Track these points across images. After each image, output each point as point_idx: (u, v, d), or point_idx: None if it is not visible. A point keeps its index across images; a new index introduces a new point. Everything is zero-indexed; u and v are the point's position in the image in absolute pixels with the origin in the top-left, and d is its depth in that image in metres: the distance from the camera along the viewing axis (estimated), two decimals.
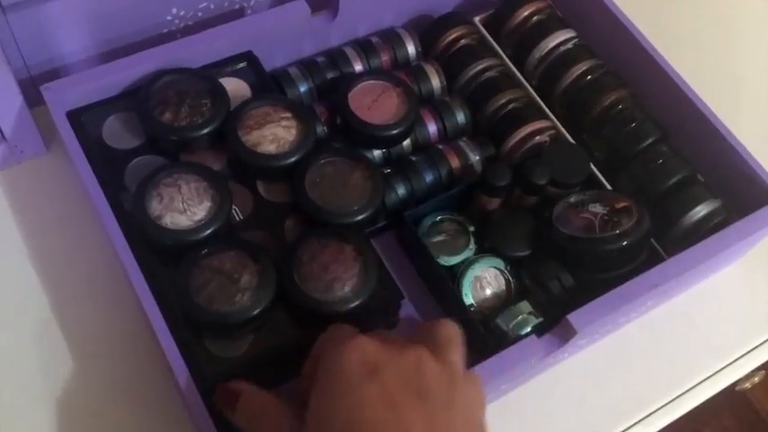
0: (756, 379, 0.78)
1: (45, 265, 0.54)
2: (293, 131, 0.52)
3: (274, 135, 0.52)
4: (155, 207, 0.47)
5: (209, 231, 0.46)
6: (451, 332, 0.41)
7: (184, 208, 0.47)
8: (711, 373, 0.58)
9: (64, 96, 0.51)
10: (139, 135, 0.52)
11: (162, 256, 0.47)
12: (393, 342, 0.39)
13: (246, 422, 0.40)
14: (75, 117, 0.51)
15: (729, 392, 1.22)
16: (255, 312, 0.45)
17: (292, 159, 0.51)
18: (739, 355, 0.59)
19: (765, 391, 1.44)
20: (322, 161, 0.52)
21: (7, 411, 0.49)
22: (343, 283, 0.47)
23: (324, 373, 0.37)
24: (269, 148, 0.51)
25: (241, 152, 0.50)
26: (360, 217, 0.50)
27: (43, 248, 0.55)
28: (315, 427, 0.36)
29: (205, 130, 0.50)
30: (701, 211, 0.55)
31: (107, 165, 0.50)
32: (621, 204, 0.53)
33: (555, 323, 0.48)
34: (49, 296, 0.53)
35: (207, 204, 0.48)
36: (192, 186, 0.48)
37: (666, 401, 0.57)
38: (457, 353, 0.40)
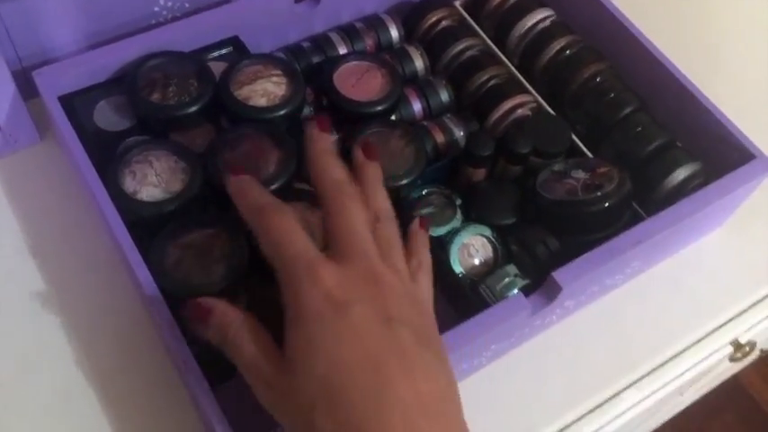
0: (752, 357, 0.79)
1: (44, 251, 0.55)
2: (283, 87, 0.54)
3: (264, 89, 0.54)
4: (129, 183, 0.48)
5: (185, 200, 0.47)
6: (389, 230, 0.42)
7: (158, 181, 0.48)
8: (702, 335, 0.59)
9: (56, 81, 0.52)
10: (130, 117, 0.54)
11: (148, 233, 0.47)
12: (347, 262, 0.38)
13: (222, 338, 0.39)
14: (67, 102, 0.53)
15: (730, 388, 1.23)
16: (231, 281, 0.45)
17: (282, 112, 0.52)
18: (727, 319, 0.60)
19: (764, 382, 1.45)
20: (367, 131, 0.54)
21: (5, 395, 0.50)
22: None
23: (292, 311, 0.37)
24: (260, 101, 0.53)
25: (232, 105, 0.52)
26: (406, 180, 0.52)
27: (41, 235, 0.56)
28: (296, 364, 0.36)
29: (193, 108, 0.51)
30: (680, 173, 0.56)
31: (99, 147, 0.52)
32: (603, 169, 0.54)
33: (540, 283, 0.49)
34: (48, 283, 0.54)
35: (180, 177, 0.49)
36: (164, 161, 0.49)
37: (658, 364, 0.58)
38: (399, 253, 0.41)
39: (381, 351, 0.35)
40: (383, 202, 0.43)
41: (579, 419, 0.55)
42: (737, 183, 0.54)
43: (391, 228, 0.42)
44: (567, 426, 0.55)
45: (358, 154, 0.45)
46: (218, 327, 0.39)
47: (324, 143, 0.43)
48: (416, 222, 0.46)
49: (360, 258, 0.38)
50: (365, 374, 0.35)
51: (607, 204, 0.52)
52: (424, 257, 0.44)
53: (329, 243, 0.40)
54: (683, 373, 0.59)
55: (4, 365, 0.51)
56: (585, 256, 0.49)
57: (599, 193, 0.52)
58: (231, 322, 0.38)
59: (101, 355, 0.51)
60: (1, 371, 0.50)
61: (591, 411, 0.56)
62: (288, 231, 0.39)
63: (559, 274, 0.48)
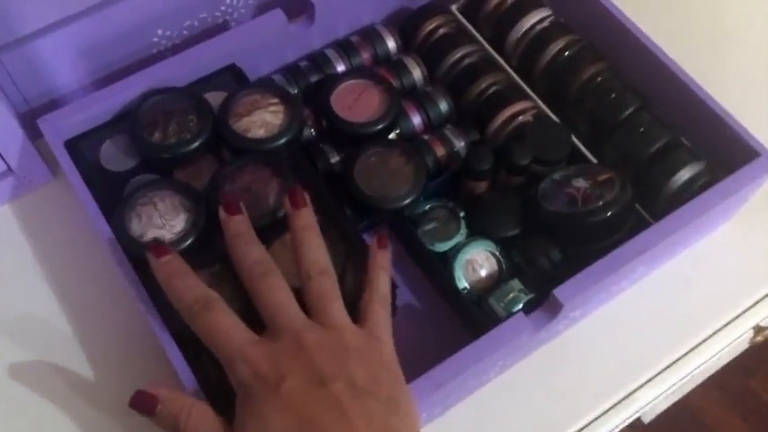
0: None
1: (62, 288, 0.57)
2: (280, 116, 0.55)
3: (262, 120, 0.54)
4: (135, 227, 0.49)
5: (190, 241, 0.49)
6: (322, 287, 0.43)
7: (163, 223, 0.49)
8: (712, 331, 0.59)
9: (60, 127, 0.54)
10: (135, 156, 0.55)
11: None
12: (276, 338, 0.40)
13: (173, 427, 0.40)
14: (72, 145, 0.54)
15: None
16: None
17: (280, 142, 0.53)
18: (739, 312, 0.60)
19: None
20: (366, 153, 0.55)
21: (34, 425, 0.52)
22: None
23: (237, 394, 0.40)
24: (258, 132, 0.54)
25: (231, 138, 0.53)
26: (408, 200, 0.54)
27: (59, 272, 0.58)
28: None
29: (194, 145, 0.52)
30: (684, 174, 0.55)
31: (107, 188, 0.53)
32: (604, 176, 0.54)
33: (544, 299, 0.50)
34: (68, 321, 0.56)
35: (183, 216, 0.50)
36: (168, 201, 0.50)
37: (670, 362, 0.58)
38: (332, 306, 0.42)
39: (317, 414, 0.37)
40: (316, 256, 0.44)
41: (594, 421, 0.56)
42: (742, 182, 0.53)
43: (324, 282, 0.43)
44: (582, 429, 0.56)
45: (286, 206, 0.45)
46: (168, 417, 0.40)
47: (234, 227, 0.45)
48: (374, 242, 0.47)
49: (286, 331, 0.40)
50: None
51: (609, 214, 0.52)
52: (380, 287, 0.45)
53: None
54: (695, 369, 0.59)
55: (25, 401, 0.53)
56: (586, 270, 0.49)
57: (600, 203, 0.52)
58: (180, 411, 0.40)
59: (116, 384, 0.53)
60: (22, 406, 0.53)
61: (605, 413, 0.57)
62: (220, 326, 0.41)
63: (560, 292, 0.48)
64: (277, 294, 0.42)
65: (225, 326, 0.41)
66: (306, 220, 0.45)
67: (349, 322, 0.42)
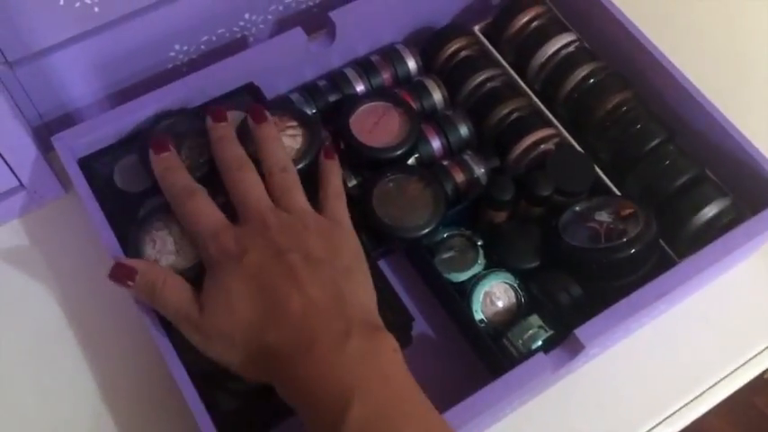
0: None
1: (71, 304, 0.56)
2: (299, 139, 0.53)
3: None
4: (149, 253, 0.48)
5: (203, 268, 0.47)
6: (284, 181, 0.48)
7: (177, 249, 0.48)
8: (731, 370, 0.58)
9: (74, 145, 0.53)
10: (149, 177, 0.54)
11: None
12: (245, 223, 0.45)
13: (148, 295, 0.45)
14: (86, 164, 0.53)
15: None
16: None
17: (299, 167, 0.52)
18: (759, 351, 0.59)
19: None
20: (384, 179, 0.55)
21: None
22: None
23: (207, 270, 0.45)
24: None
25: None
26: (426, 230, 0.54)
27: (69, 288, 0.57)
28: (211, 307, 0.43)
29: (206, 169, 0.51)
30: (710, 211, 0.54)
31: (121, 208, 0.52)
32: (627, 211, 0.53)
33: (564, 337, 0.48)
34: (75, 338, 0.55)
35: None
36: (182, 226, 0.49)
37: (689, 400, 0.57)
38: (295, 195, 0.47)
39: (273, 279, 0.43)
40: (276, 156, 0.49)
41: None
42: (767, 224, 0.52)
43: (286, 176, 0.48)
44: None
45: (248, 121, 0.50)
46: (145, 285, 0.45)
47: (219, 131, 0.49)
48: (321, 153, 0.52)
49: (254, 216, 0.45)
50: (263, 302, 0.42)
51: (632, 251, 0.51)
52: (333, 184, 0.50)
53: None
54: (711, 408, 0.58)
55: (32, 418, 0.52)
56: (609, 310, 0.48)
57: (624, 240, 0.51)
58: (156, 279, 0.45)
59: (123, 407, 0.53)
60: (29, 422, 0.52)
61: None
62: (198, 210, 0.46)
63: (582, 332, 0.47)
64: (249, 184, 0.47)
65: (203, 210, 0.46)
66: (269, 131, 0.49)
67: (311, 209, 0.47)
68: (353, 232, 0.48)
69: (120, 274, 0.45)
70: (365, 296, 0.45)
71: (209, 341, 0.43)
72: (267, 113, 0.50)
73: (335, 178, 0.51)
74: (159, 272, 0.45)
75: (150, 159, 0.48)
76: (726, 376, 0.58)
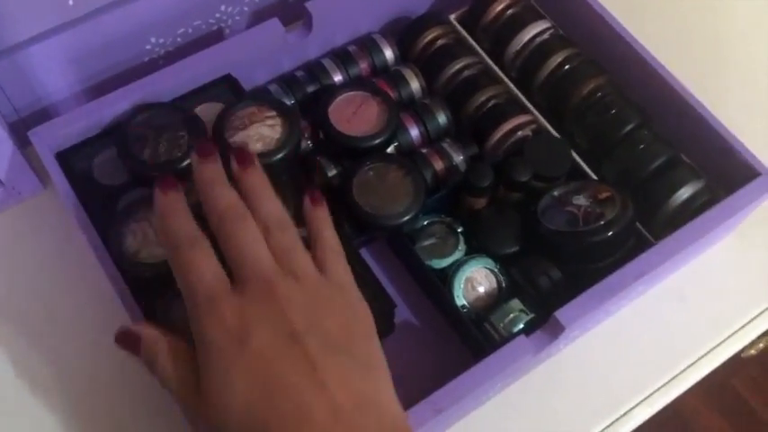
0: (762, 345, 0.79)
1: (51, 300, 0.56)
2: (278, 129, 0.53)
3: (260, 134, 0.53)
4: (130, 243, 0.48)
5: None
6: (282, 239, 0.40)
7: (158, 240, 0.48)
8: (709, 348, 0.59)
9: (51, 139, 0.52)
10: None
11: (151, 291, 0.48)
12: (244, 287, 0.37)
13: (151, 365, 0.39)
14: (64, 158, 0.53)
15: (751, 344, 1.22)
16: None
17: (278, 156, 0.52)
18: (736, 329, 0.60)
19: None
20: (364, 168, 0.54)
21: None
22: None
23: (199, 346, 0.37)
24: (255, 146, 0.53)
25: (227, 153, 0.52)
26: (407, 217, 0.53)
27: (49, 284, 0.57)
28: (212, 399, 0.36)
29: (184, 163, 0.51)
30: (684, 193, 0.55)
31: (100, 201, 0.52)
32: (604, 195, 0.54)
33: (545, 319, 0.49)
34: (56, 333, 0.55)
35: None
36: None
37: (669, 379, 0.58)
38: (298, 256, 0.40)
39: (289, 373, 0.35)
40: (271, 209, 0.41)
41: None
42: (743, 202, 0.53)
43: (283, 234, 0.40)
44: None
45: (233, 165, 0.42)
46: (147, 354, 0.39)
47: (207, 172, 0.41)
48: (307, 200, 0.44)
49: (254, 279, 0.37)
50: (273, 404, 0.35)
51: (610, 234, 0.51)
52: (327, 239, 0.42)
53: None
54: (692, 386, 0.59)
55: (13, 411, 0.52)
56: (588, 292, 0.49)
57: (601, 223, 0.52)
58: (159, 351, 0.39)
59: (106, 400, 0.53)
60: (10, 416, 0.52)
61: (602, 431, 0.57)
62: (196, 265, 0.38)
63: (562, 314, 0.48)
64: (248, 240, 0.39)
65: (202, 266, 0.38)
66: (256, 179, 0.42)
67: (319, 275, 0.40)
68: (361, 298, 0.41)
69: (125, 342, 0.40)
70: (388, 393, 0.38)
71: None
72: (254, 155, 0.42)
73: (327, 230, 0.43)
74: (162, 344, 0.39)
75: (154, 195, 0.40)
76: (704, 355, 0.59)
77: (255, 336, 0.36)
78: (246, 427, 0.35)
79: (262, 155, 0.52)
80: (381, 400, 0.37)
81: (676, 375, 0.58)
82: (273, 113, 0.54)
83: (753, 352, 0.70)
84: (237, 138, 0.53)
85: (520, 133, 0.58)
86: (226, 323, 0.36)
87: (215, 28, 0.63)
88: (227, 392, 0.35)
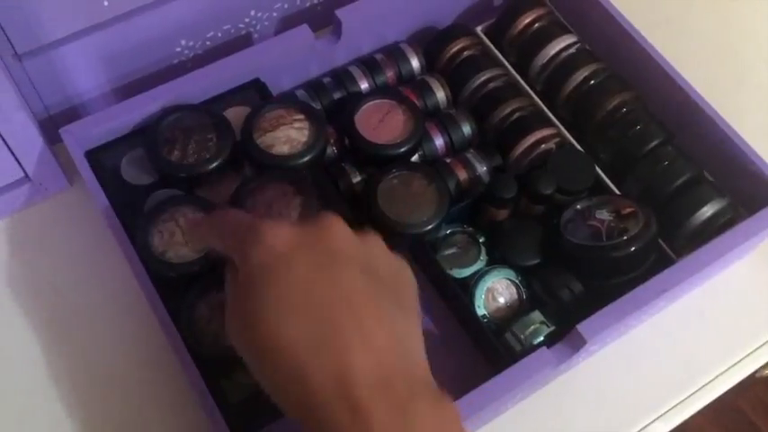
0: None
1: (75, 296, 0.56)
2: (305, 132, 0.54)
3: (287, 137, 0.54)
4: (157, 244, 0.49)
5: (211, 259, 0.48)
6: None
7: (185, 240, 0.49)
8: (727, 367, 0.59)
9: (81, 137, 0.53)
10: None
11: (177, 290, 0.49)
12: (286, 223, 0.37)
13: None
14: (93, 156, 0.54)
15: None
16: None
17: (305, 159, 0.53)
18: (755, 348, 0.60)
19: None
20: (389, 175, 0.54)
21: None
22: None
23: (243, 269, 0.35)
24: (282, 149, 0.53)
25: (256, 154, 0.52)
26: (430, 226, 0.53)
27: (72, 280, 0.57)
28: (247, 318, 0.35)
29: (212, 165, 0.52)
30: (707, 211, 0.55)
31: (128, 201, 0.53)
32: (627, 210, 0.54)
33: (566, 332, 0.49)
34: (80, 329, 0.55)
35: None
36: (190, 218, 0.50)
37: (685, 396, 0.58)
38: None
39: (333, 302, 0.34)
40: None
41: None
42: (765, 222, 0.53)
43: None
44: None
45: None
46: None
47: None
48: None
49: (306, 224, 0.37)
50: (316, 325, 0.33)
51: (633, 249, 0.52)
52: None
53: None
54: (707, 404, 0.59)
55: (35, 412, 0.53)
56: (610, 307, 0.49)
57: (624, 238, 0.52)
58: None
59: (130, 399, 0.53)
60: (33, 417, 0.52)
61: None
62: (231, 216, 0.38)
63: (584, 327, 0.48)
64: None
65: (236, 217, 0.38)
66: None
67: None
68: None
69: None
70: (421, 349, 0.37)
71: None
72: None
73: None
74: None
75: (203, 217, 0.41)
76: (721, 373, 0.59)
77: (300, 260, 0.35)
78: (277, 349, 0.33)
79: (289, 157, 0.53)
80: (419, 349, 0.36)
81: (693, 393, 0.58)
82: (301, 117, 0.55)
83: (767, 372, 0.70)
84: (266, 139, 0.54)
85: (544, 146, 0.59)
86: (272, 248, 0.35)
87: (243, 32, 0.63)
88: (263, 311, 0.34)
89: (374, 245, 0.38)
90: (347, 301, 0.34)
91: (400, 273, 0.38)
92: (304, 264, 0.35)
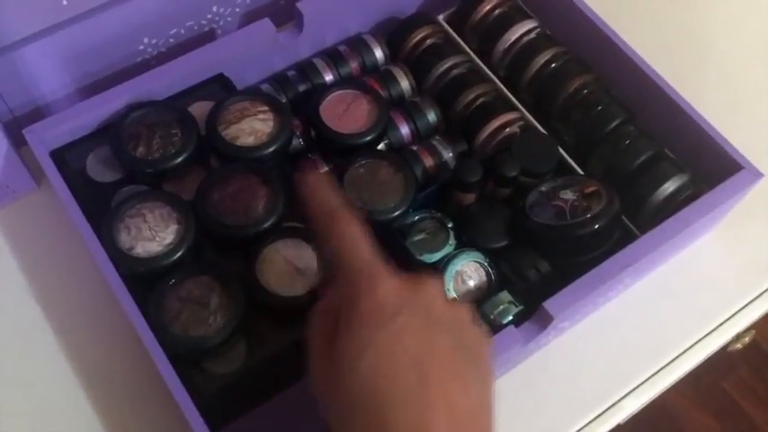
0: (747, 339, 0.80)
1: (47, 298, 0.56)
2: (270, 123, 0.55)
3: (252, 128, 0.54)
4: (124, 239, 0.49)
5: (180, 253, 0.49)
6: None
7: (153, 235, 0.49)
8: (696, 339, 0.60)
9: (46, 137, 0.53)
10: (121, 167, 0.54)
11: (146, 285, 0.49)
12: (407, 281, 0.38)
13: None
14: (58, 156, 0.54)
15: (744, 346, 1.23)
16: (230, 331, 0.47)
17: (269, 150, 0.53)
18: (722, 321, 0.61)
19: None
20: (355, 164, 0.55)
21: None
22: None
23: (348, 310, 0.37)
24: (247, 140, 0.54)
25: (220, 146, 0.53)
26: (398, 212, 0.54)
27: (44, 281, 0.57)
28: (344, 361, 0.36)
29: (177, 160, 0.52)
30: (669, 187, 0.56)
31: (94, 199, 0.53)
32: (591, 189, 0.55)
33: (534, 311, 0.50)
34: (53, 330, 0.55)
35: (174, 227, 0.50)
36: (157, 213, 0.50)
37: (656, 370, 0.59)
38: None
39: (424, 360, 0.35)
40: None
41: (580, 430, 0.57)
42: (726, 195, 0.54)
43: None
44: None
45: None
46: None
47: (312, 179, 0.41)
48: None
49: (393, 275, 0.38)
50: (403, 384, 0.35)
51: (596, 226, 0.52)
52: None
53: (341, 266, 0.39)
54: (679, 378, 0.60)
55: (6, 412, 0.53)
56: (576, 283, 0.50)
57: (588, 216, 0.53)
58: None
59: (103, 396, 0.53)
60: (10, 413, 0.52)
61: (591, 422, 0.57)
62: (354, 240, 0.39)
63: (550, 304, 0.49)
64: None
65: (360, 241, 0.39)
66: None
67: None
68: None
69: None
70: (493, 421, 0.38)
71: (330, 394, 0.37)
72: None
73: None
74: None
75: (297, 177, 0.41)
76: (691, 346, 0.60)
77: (404, 317, 0.36)
78: (364, 395, 0.35)
79: (254, 149, 0.53)
80: (488, 418, 0.38)
81: (663, 367, 0.59)
82: (266, 108, 0.55)
83: (738, 346, 0.71)
84: (230, 131, 0.54)
85: (508, 130, 0.59)
86: (381, 301, 0.36)
87: (207, 29, 0.64)
88: (359, 357, 0.35)
89: (465, 314, 0.40)
90: (438, 363, 0.36)
91: (483, 345, 0.40)
92: (406, 323, 0.36)
